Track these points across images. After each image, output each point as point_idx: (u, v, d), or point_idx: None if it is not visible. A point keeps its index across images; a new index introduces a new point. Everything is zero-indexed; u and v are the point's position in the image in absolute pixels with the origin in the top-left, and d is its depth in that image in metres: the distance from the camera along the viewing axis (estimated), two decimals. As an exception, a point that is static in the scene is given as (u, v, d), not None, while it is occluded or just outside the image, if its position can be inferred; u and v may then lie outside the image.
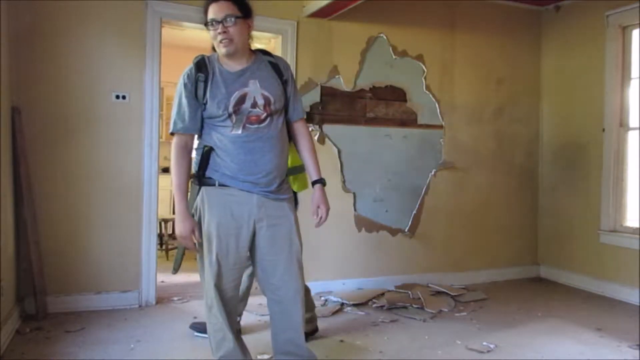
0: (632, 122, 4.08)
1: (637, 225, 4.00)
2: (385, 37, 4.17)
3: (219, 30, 2.06)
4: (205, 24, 2.11)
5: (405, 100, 4.27)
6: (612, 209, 4.13)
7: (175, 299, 3.75)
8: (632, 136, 4.09)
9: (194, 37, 4.77)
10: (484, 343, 3.03)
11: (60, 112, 3.36)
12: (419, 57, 4.29)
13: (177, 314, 3.39)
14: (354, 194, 4.12)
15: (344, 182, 4.08)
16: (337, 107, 4.04)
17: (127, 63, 3.48)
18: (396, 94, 4.24)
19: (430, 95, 4.34)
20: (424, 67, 4.31)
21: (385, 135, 4.20)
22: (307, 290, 2.89)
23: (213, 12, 2.06)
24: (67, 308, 3.36)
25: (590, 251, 4.28)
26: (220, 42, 2.07)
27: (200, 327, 2.96)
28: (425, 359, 2.82)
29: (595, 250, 4.23)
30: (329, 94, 4.00)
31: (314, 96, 3.95)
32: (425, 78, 4.32)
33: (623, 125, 4.12)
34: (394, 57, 4.20)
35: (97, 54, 3.42)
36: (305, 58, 3.95)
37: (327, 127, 4.01)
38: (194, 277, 3.50)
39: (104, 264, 3.48)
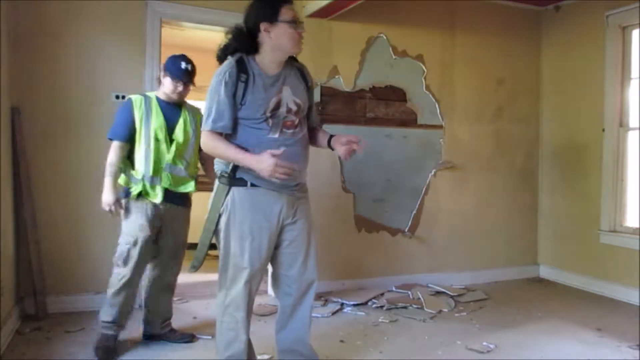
0: (632, 122, 4.08)
1: (637, 225, 4.00)
2: (385, 37, 4.17)
3: (302, 33, 2.19)
4: (271, 21, 2.11)
5: (405, 100, 4.27)
6: (612, 209, 4.12)
7: (175, 299, 3.72)
8: (632, 136, 4.09)
9: (194, 37, 4.76)
10: (484, 343, 3.03)
11: (60, 112, 3.36)
12: (419, 57, 4.29)
13: (176, 314, 3.37)
14: (353, 194, 4.12)
15: (344, 182, 4.08)
16: (337, 107, 4.04)
17: (127, 63, 3.48)
18: (396, 94, 4.23)
19: (430, 95, 4.34)
20: (423, 67, 4.30)
21: (385, 135, 4.20)
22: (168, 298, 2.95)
23: (295, 13, 2.16)
24: (67, 308, 3.36)
25: (590, 251, 4.27)
26: (299, 42, 2.20)
27: None
28: (425, 359, 2.82)
29: (595, 250, 4.22)
30: (329, 94, 4.00)
31: (314, 96, 3.95)
32: (425, 78, 4.32)
33: (623, 125, 4.11)
34: (393, 57, 4.20)
35: (97, 54, 3.42)
36: (305, 58, 3.89)
37: (327, 127, 3.92)
38: (194, 277, 3.50)
39: (103, 264, 3.44)
